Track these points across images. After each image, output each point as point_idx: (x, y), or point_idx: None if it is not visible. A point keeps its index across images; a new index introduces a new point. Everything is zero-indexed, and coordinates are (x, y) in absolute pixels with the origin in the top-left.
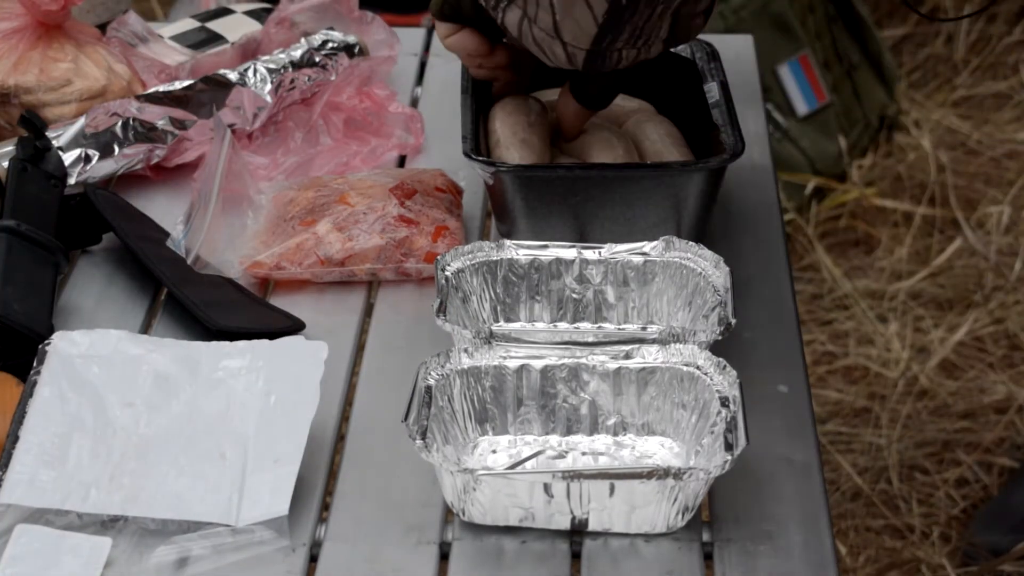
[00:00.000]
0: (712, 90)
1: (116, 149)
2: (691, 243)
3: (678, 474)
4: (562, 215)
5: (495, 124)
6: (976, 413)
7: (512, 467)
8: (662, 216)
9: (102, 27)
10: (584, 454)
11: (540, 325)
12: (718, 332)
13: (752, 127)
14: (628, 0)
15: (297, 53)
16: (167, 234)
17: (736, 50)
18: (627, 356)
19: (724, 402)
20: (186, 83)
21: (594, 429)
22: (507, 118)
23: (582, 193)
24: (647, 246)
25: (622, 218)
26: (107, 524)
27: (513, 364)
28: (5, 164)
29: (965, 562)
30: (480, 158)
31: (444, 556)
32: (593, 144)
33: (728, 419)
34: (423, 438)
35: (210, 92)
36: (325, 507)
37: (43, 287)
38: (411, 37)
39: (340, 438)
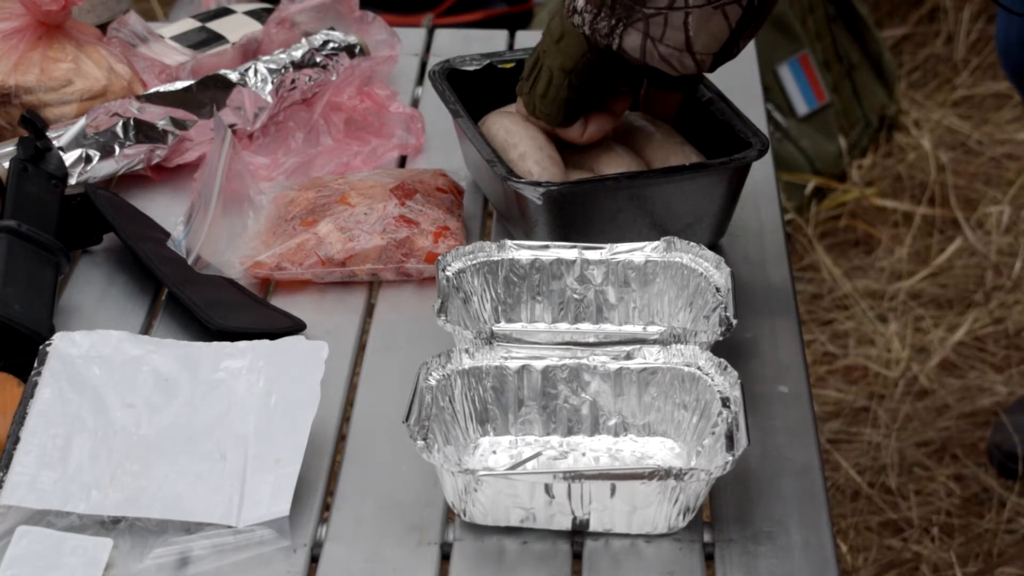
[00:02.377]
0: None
1: (117, 149)
2: (692, 243)
3: (679, 475)
4: (601, 227)
5: (516, 137)
6: (976, 413)
7: (513, 468)
8: (698, 215)
9: (102, 27)
10: (585, 455)
11: (541, 325)
12: (719, 332)
13: None
14: (759, 1)
15: (298, 53)
16: (167, 234)
17: None
18: (628, 356)
19: (725, 402)
20: (186, 83)
21: (595, 430)
22: (526, 131)
23: (625, 201)
24: (648, 246)
25: (660, 223)
26: (108, 525)
27: (514, 364)
28: (6, 164)
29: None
30: (523, 180)
31: (445, 556)
32: (600, 156)
33: (729, 420)
34: (424, 438)
35: (211, 92)
36: (326, 507)
37: (44, 287)
38: (411, 37)
39: (341, 438)
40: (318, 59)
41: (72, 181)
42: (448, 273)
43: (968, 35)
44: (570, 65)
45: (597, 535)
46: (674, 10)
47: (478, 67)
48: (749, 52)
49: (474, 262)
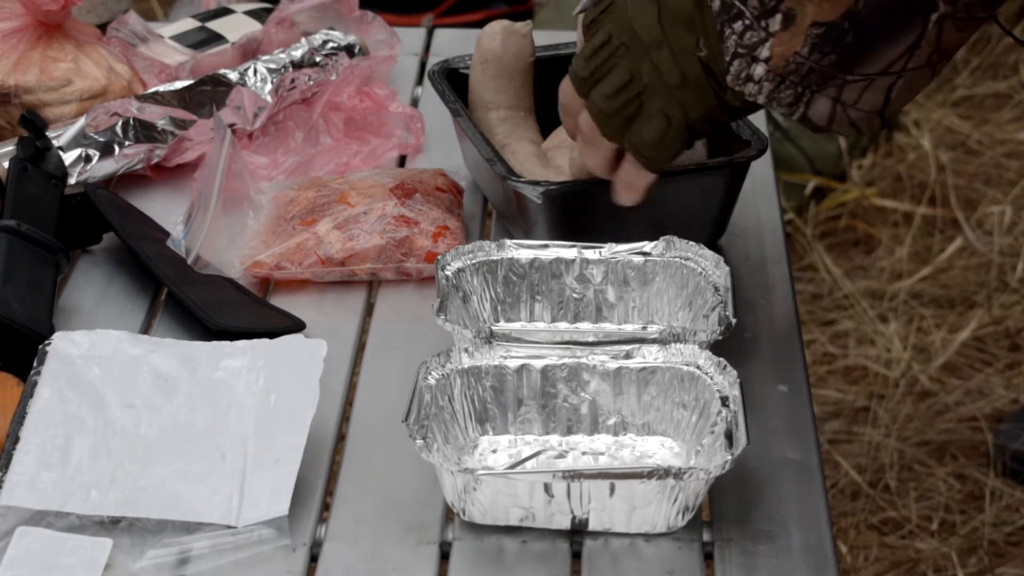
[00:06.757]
0: None
1: (116, 149)
2: (691, 243)
3: (678, 474)
4: (601, 226)
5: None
6: (976, 415)
7: (512, 467)
8: (697, 214)
9: (102, 27)
10: (584, 454)
11: (540, 325)
12: (718, 332)
13: None
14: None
15: (297, 53)
16: (167, 234)
17: None
18: (627, 356)
19: (724, 402)
20: (186, 83)
21: (594, 429)
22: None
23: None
24: (647, 245)
25: (659, 222)
26: (107, 525)
27: (513, 364)
28: (5, 164)
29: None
30: (523, 179)
31: (444, 556)
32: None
33: (728, 419)
34: (423, 438)
35: (210, 92)
36: (325, 507)
37: (43, 287)
38: (411, 37)
39: (340, 438)
40: (318, 59)
41: (72, 181)
42: (447, 272)
43: None
44: (695, 116)
45: (596, 534)
46: (886, 75)
47: None
48: None
49: (473, 261)
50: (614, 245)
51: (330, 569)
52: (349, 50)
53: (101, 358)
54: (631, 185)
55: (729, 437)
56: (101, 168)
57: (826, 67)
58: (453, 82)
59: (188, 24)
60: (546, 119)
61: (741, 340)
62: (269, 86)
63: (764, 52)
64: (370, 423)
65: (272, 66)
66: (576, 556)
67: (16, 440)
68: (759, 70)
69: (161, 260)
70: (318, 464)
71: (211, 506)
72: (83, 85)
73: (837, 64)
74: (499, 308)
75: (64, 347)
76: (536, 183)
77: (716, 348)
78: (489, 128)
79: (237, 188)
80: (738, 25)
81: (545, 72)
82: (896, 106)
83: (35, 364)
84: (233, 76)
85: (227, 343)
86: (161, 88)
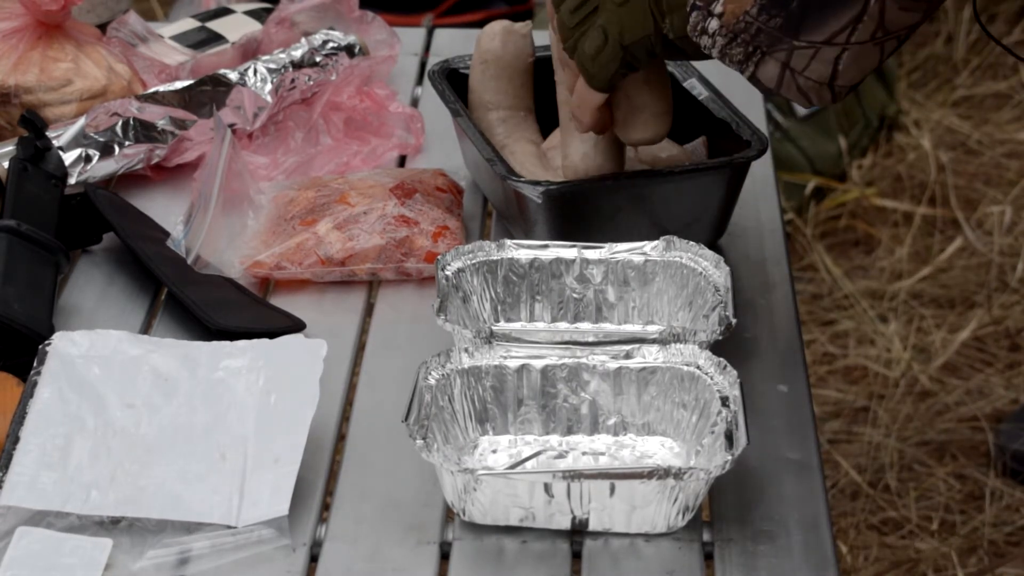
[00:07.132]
0: (696, 87)
1: (116, 149)
2: (691, 243)
3: (678, 474)
4: (601, 226)
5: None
6: (976, 414)
7: (512, 467)
8: (697, 214)
9: (102, 27)
10: (584, 454)
11: (540, 325)
12: (718, 332)
13: None
14: (910, 31)
15: (297, 53)
16: (167, 234)
17: None
18: (627, 356)
19: (724, 402)
20: (186, 83)
21: (594, 429)
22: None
23: (624, 201)
24: (647, 246)
25: (659, 222)
26: (107, 525)
27: (513, 364)
28: (6, 164)
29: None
30: (523, 179)
31: (444, 556)
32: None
33: (728, 419)
34: (423, 438)
35: (210, 92)
36: (325, 507)
37: (43, 287)
38: (411, 37)
39: (340, 438)
40: (318, 59)
41: (72, 181)
42: (447, 272)
43: (968, 35)
44: (628, 41)
45: (596, 534)
46: (831, 45)
47: None
48: None
49: (473, 261)
50: (614, 245)
51: (330, 569)
52: (349, 50)
53: (101, 358)
54: (581, 103)
55: (729, 437)
56: (101, 168)
57: (773, 29)
58: (453, 82)
59: (188, 24)
60: (546, 119)
61: (741, 340)
62: (269, 86)
63: (718, 8)
64: (370, 423)
65: (272, 66)
66: (576, 556)
67: (16, 440)
68: (713, 24)
69: (161, 260)
70: (318, 464)
71: (211, 506)
72: (83, 85)
73: (783, 28)
74: (499, 308)
75: (64, 347)
76: (536, 183)
77: (716, 348)
78: (489, 128)
79: (237, 188)
80: None
81: (545, 72)
82: (845, 79)
83: (35, 364)
84: (233, 76)
85: (227, 343)
86: (161, 88)
